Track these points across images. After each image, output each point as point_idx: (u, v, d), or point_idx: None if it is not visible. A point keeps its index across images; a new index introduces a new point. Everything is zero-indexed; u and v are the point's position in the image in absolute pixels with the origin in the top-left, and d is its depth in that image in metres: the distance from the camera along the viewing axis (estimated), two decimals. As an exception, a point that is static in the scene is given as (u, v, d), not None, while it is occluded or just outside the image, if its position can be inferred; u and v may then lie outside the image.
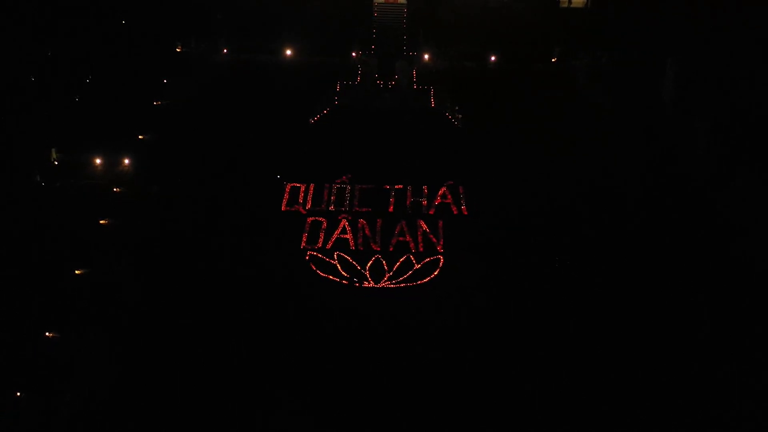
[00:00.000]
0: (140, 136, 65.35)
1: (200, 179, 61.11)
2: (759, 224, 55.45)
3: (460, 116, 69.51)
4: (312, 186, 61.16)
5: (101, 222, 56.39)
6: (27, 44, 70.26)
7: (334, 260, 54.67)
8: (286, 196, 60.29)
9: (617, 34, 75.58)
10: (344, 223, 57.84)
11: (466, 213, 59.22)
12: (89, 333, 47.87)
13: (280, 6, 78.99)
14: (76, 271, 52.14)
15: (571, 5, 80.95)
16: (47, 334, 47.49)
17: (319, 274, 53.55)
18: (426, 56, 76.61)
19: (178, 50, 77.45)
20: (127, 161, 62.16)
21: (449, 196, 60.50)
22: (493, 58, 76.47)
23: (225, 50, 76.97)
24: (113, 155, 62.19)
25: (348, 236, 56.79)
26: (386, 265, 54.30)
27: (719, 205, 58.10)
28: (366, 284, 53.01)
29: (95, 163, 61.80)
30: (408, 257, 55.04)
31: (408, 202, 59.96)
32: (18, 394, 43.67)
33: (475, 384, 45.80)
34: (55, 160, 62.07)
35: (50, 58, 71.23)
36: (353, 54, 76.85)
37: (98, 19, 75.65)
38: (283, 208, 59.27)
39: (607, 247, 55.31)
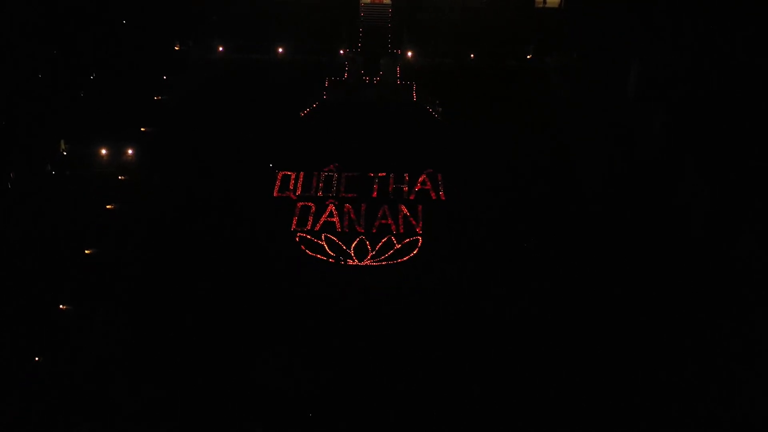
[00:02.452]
0: (142, 129, 68.37)
1: (198, 168, 64.16)
2: (711, 209, 58.11)
3: (440, 109, 72.66)
4: (302, 174, 64.30)
5: (108, 207, 59.58)
6: (35, 44, 72.87)
7: (322, 241, 58.07)
8: (277, 183, 63.39)
9: (588, 33, 78.55)
10: (331, 207, 61.19)
11: (444, 198, 62.46)
12: (98, 306, 51.06)
13: (273, 8, 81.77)
14: (86, 251, 55.33)
15: (546, 5, 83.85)
16: (60, 306, 50.70)
17: (308, 253, 56.87)
18: (409, 54, 79.52)
19: (176, 49, 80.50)
20: (130, 152, 65.15)
21: (428, 183, 63.74)
22: (471, 56, 79.60)
23: (220, 49, 79.95)
24: (118, 146, 65.06)
25: (335, 219, 60.09)
26: (369, 245, 57.61)
27: (675, 190, 61.04)
28: (351, 262, 56.33)
29: (101, 153, 64.76)
30: (389, 238, 58.31)
31: (390, 189, 63.12)
32: (36, 359, 47.21)
33: (450, 351, 48.69)
34: (64, 150, 64.88)
35: (56, 56, 73.71)
36: (341, 52, 79.68)
37: (100, 20, 78.44)
38: (275, 194, 62.50)
39: (575, 230, 58.36)
